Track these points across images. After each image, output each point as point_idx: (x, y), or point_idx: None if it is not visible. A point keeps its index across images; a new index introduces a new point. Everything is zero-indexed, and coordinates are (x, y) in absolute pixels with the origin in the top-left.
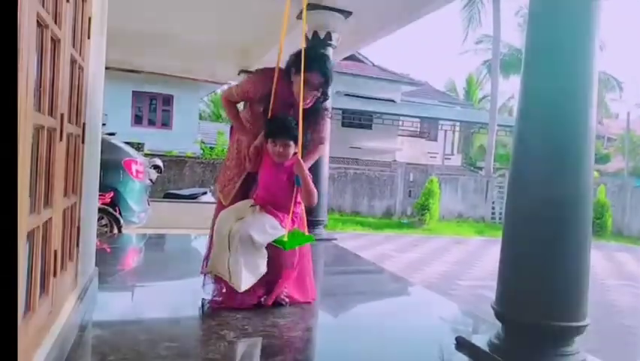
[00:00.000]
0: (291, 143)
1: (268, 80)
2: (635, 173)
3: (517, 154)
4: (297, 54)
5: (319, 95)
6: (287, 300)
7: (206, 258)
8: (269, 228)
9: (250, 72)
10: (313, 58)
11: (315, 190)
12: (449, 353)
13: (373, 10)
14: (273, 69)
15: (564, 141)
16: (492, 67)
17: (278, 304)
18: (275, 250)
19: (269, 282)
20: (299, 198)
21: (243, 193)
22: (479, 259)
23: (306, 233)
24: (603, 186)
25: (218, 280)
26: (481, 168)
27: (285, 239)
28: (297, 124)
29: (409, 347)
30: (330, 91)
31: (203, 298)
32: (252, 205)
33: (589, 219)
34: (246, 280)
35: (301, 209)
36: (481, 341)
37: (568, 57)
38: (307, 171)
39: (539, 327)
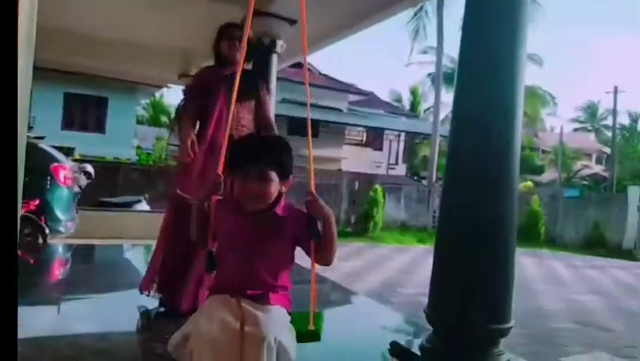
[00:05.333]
0: (273, 173)
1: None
2: (567, 184)
3: (451, 163)
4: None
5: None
6: None
7: (151, 272)
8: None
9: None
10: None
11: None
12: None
13: (318, 19)
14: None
15: (491, 150)
16: (435, 79)
17: None
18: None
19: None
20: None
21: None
22: (420, 267)
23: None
24: (537, 196)
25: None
26: (424, 178)
27: (312, 327)
28: (283, 144)
29: (348, 356)
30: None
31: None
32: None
33: (514, 224)
34: None
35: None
36: (415, 345)
37: (495, 69)
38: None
39: (466, 329)
